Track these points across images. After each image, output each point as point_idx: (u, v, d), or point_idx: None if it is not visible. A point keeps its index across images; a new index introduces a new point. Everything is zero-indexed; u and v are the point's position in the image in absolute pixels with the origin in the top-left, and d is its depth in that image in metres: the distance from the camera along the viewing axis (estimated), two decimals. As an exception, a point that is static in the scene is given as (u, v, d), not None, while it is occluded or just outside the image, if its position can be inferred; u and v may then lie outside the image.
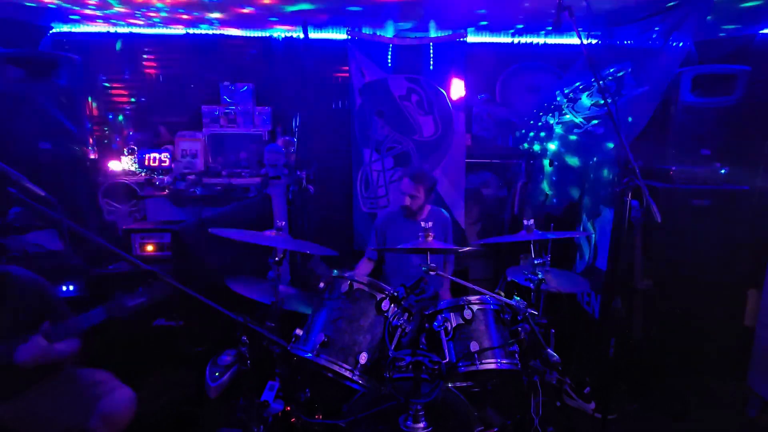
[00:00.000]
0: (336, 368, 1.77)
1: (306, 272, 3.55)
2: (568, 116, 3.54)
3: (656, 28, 3.06)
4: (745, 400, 2.91)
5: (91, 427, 1.93)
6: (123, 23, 3.89)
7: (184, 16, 3.62)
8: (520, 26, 3.98)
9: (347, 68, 4.04)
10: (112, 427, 1.96)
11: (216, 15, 3.57)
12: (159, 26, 3.94)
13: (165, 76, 4.17)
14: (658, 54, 2.97)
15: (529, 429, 1.99)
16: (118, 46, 4.00)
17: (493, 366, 1.86)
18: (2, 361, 1.79)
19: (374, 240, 3.19)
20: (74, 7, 3.45)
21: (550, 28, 3.93)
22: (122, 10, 3.45)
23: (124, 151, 3.91)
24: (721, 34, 3.50)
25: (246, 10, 3.44)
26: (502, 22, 3.89)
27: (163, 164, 3.85)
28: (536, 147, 3.88)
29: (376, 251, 3.16)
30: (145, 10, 3.45)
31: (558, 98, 3.71)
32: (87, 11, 3.54)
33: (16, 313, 1.91)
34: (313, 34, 4.06)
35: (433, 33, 4.09)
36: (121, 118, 4.15)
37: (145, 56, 4.14)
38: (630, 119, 2.84)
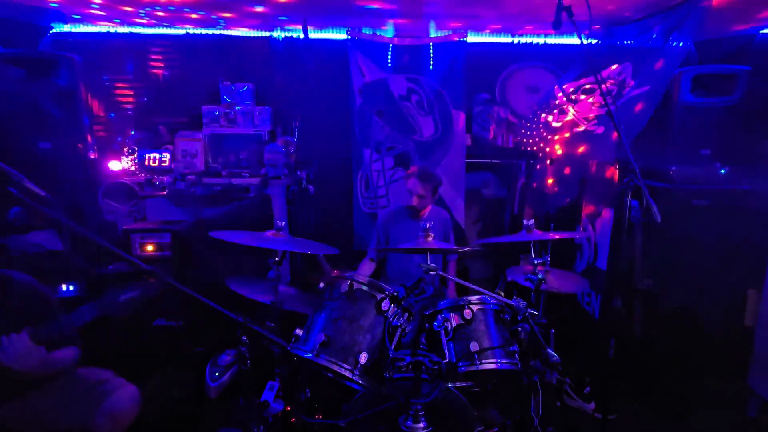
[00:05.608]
0: (336, 368, 1.77)
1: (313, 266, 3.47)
2: (568, 116, 3.54)
3: (656, 28, 3.06)
4: (745, 400, 2.91)
5: (96, 426, 1.93)
6: (124, 23, 3.89)
7: (193, 16, 3.59)
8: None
9: (347, 68, 4.04)
10: (117, 425, 1.96)
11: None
12: (164, 26, 3.92)
13: (165, 76, 4.17)
14: (658, 54, 2.97)
15: (529, 429, 2.00)
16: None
17: (493, 366, 1.85)
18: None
19: (376, 240, 3.18)
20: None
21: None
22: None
23: (124, 151, 3.91)
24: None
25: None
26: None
27: (163, 164, 3.85)
28: (536, 147, 3.88)
29: (378, 251, 3.15)
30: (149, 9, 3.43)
31: (558, 96, 3.70)
32: (92, 10, 3.52)
33: (13, 316, 1.89)
34: (313, 34, 4.06)
35: (433, 33, 4.09)
36: (121, 118, 4.15)
37: (145, 56, 4.14)
38: (630, 119, 2.84)
